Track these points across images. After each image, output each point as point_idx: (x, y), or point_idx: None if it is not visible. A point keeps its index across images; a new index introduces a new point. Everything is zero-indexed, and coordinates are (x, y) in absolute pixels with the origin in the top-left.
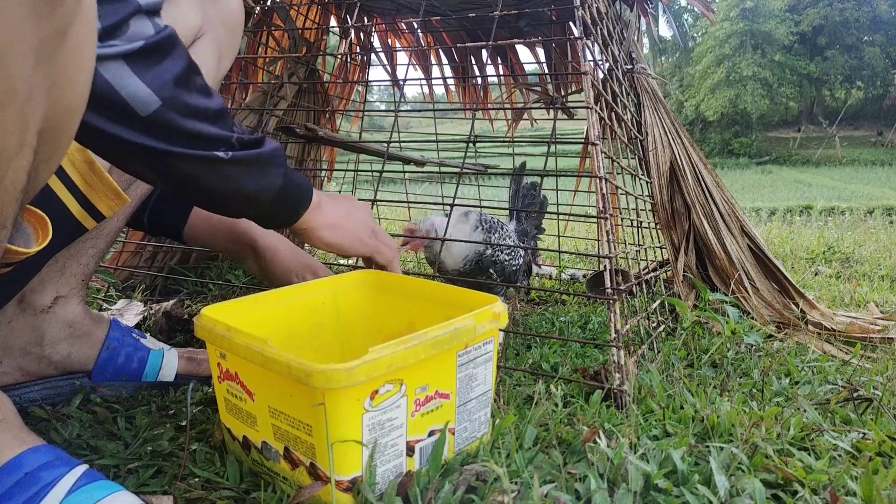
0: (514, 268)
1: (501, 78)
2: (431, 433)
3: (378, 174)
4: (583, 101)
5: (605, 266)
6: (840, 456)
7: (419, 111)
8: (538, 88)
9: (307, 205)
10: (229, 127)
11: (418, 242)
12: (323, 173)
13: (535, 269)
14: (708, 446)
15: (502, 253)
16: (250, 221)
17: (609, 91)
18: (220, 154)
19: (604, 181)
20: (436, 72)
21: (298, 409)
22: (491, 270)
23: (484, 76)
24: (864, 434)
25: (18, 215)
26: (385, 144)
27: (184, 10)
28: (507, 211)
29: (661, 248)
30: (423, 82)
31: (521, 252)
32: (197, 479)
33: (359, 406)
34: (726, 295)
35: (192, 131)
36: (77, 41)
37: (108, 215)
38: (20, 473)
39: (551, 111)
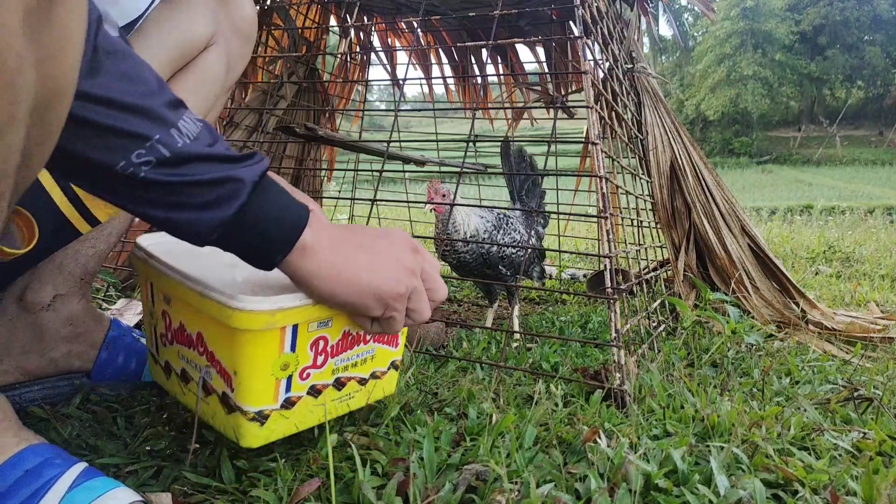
0: (522, 258)
1: (501, 77)
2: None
3: (378, 174)
4: (583, 101)
5: (605, 265)
6: (840, 455)
7: (419, 111)
8: (538, 88)
9: (285, 248)
10: (158, 125)
11: (440, 200)
12: (323, 173)
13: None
14: (708, 446)
15: (508, 246)
16: None
17: (609, 90)
18: (128, 165)
19: (604, 180)
20: (436, 71)
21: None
22: (500, 267)
23: (484, 75)
24: (865, 433)
25: (12, 206)
26: (385, 144)
27: (195, 18)
28: (509, 195)
29: (661, 247)
30: (423, 82)
31: (531, 238)
32: (195, 481)
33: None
34: (727, 294)
35: (84, 118)
36: (65, 13)
37: (103, 220)
38: (20, 470)
39: (551, 110)
